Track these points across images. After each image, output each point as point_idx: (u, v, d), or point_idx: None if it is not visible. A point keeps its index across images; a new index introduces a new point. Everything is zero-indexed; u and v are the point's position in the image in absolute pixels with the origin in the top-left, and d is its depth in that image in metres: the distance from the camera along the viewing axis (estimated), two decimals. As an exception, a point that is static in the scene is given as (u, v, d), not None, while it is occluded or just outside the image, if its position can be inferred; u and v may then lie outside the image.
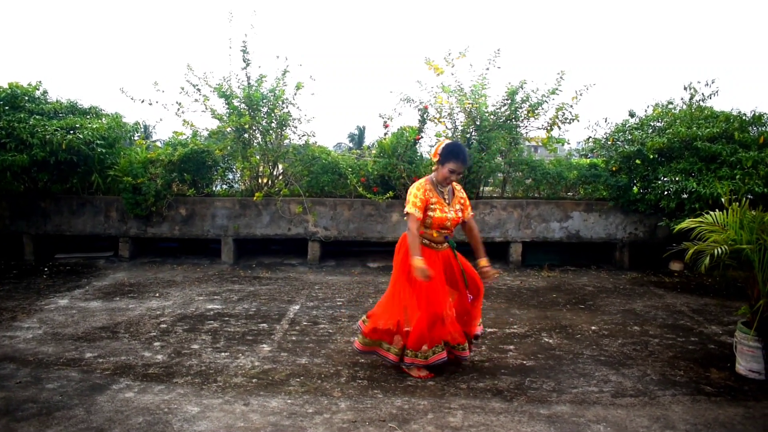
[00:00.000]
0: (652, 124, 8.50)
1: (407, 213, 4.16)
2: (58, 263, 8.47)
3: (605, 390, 4.03)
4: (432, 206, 4.18)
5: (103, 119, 8.92)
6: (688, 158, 7.65)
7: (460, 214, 4.33)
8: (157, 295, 6.69)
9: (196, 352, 4.70)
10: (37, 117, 8.12)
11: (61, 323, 5.49)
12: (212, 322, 5.59)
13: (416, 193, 4.17)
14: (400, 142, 8.42)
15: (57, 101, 8.95)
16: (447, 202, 4.29)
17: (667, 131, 7.89)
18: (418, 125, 8.65)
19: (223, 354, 4.66)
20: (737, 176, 7.04)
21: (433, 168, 4.33)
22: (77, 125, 8.16)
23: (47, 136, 7.72)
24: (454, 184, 4.44)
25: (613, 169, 8.40)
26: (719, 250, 4.28)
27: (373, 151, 9.29)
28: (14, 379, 4.09)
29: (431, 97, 8.81)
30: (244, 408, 3.65)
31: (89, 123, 8.36)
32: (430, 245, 4.27)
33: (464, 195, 4.50)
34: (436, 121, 8.95)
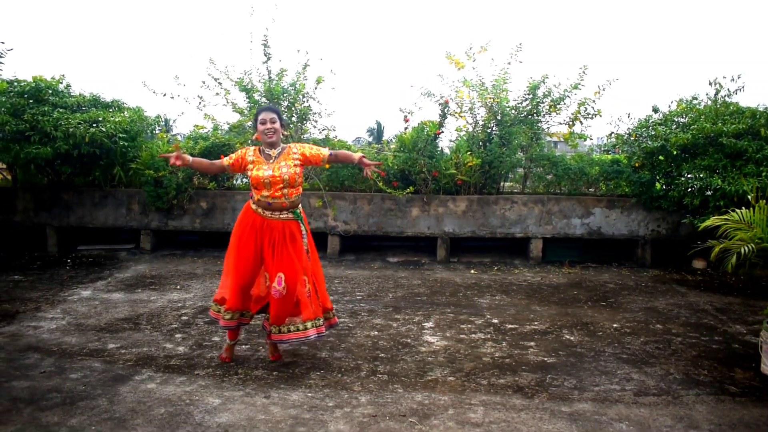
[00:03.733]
0: (676, 119, 8.38)
1: None
2: (80, 255, 8.56)
3: (627, 388, 3.99)
4: (249, 165, 4.19)
5: (125, 113, 8.98)
6: (713, 155, 7.54)
7: (284, 171, 4.13)
8: (178, 287, 6.73)
9: (217, 345, 4.72)
10: (61, 110, 8.20)
11: (84, 314, 5.55)
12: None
13: (237, 153, 4.33)
14: (421, 136, 8.40)
15: (80, 95, 9.02)
16: (270, 161, 4.19)
17: (692, 127, 7.78)
18: (438, 120, 8.63)
19: (243, 347, 4.68)
20: (764, 173, 6.92)
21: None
22: (100, 118, 8.23)
23: (70, 129, 7.79)
24: (293, 145, 4.34)
25: (636, 165, 8.31)
26: (746, 248, 4.22)
27: (393, 146, 9.27)
28: (38, 368, 4.14)
29: (452, 91, 8.80)
30: (264, 400, 3.66)
31: (111, 116, 8.43)
32: (257, 210, 4.20)
33: (305, 150, 4.33)
34: (456, 115, 8.93)
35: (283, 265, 4.10)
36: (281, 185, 4.11)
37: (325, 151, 4.34)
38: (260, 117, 4.21)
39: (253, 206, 4.21)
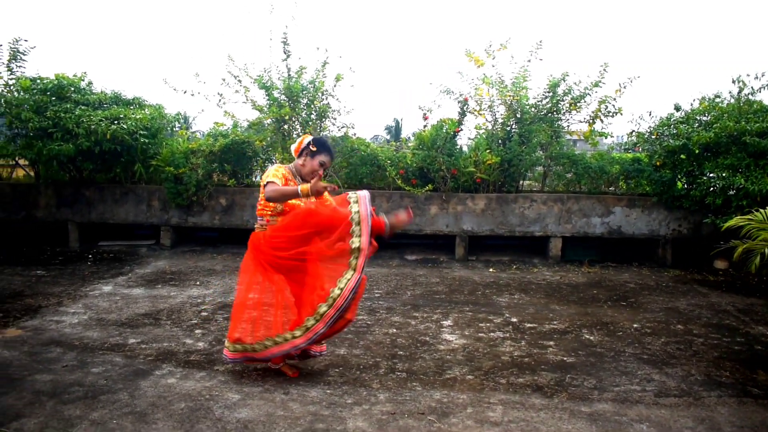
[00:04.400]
0: (699, 118, 8.29)
1: (268, 182, 3.77)
2: (101, 250, 8.65)
3: (648, 389, 3.95)
4: None
5: (146, 110, 9.07)
6: (736, 153, 7.45)
7: None
8: (198, 283, 6.78)
9: (236, 341, 4.74)
10: (83, 107, 8.30)
11: (105, 309, 5.61)
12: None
13: (276, 170, 3.89)
14: (440, 134, 8.39)
15: (102, 92, 9.13)
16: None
17: (714, 125, 7.69)
18: (458, 117, 8.61)
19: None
20: (788, 173, 6.83)
21: (300, 163, 3.99)
22: (121, 116, 8.32)
23: (92, 126, 7.88)
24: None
25: (657, 163, 8.23)
26: (770, 248, 4.16)
27: (411, 144, 9.27)
28: (61, 362, 4.18)
29: (471, 89, 8.78)
30: (284, 396, 3.67)
31: (132, 113, 8.51)
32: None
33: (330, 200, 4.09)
34: (476, 113, 8.90)
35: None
36: None
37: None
38: (325, 158, 3.97)
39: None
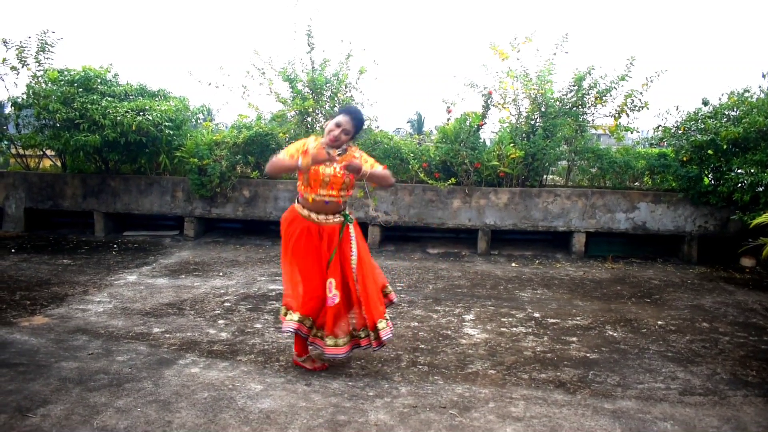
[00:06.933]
0: (727, 113, 8.15)
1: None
2: (126, 240, 8.75)
3: (672, 387, 3.91)
4: None
5: (171, 102, 9.14)
6: (765, 149, 7.31)
7: (344, 172, 3.78)
8: (221, 274, 6.83)
9: (259, 332, 4.78)
10: (109, 99, 8.38)
11: (130, 298, 5.67)
12: (274, 302, 5.67)
13: (297, 144, 3.86)
14: (463, 127, 8.35)
15: (127, 84, 9.21)
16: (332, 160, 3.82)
17: (743, 120, 7.56)
18: (481, 111, 8.56)
19: (285, 334, 4.72)
20: (819, 169, 6.69)
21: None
22: (146, 107, 8.39)
23: (118, 118, 7.96)
24: (355, 150, 3.98)
25: (684, 159, 8.11)
26: (800, 246, 4.09)
27: (434, 137, 9.24)
28: (86, 350, 4.24)
29: (496, 82, 8.71)
30: (306, 388, 3.69)
31: (158, 105, 8.58)
32: (309, 216, 3.88)
33: (366, 157, 3.99)
34: (500, 106, 8.84)
35: (334, 270, 3.87)
36: (340, 186, 3.89)
37: (376, 166, 3.95)
38: (339, 118, 3.78)
39: (305, 212, 3.89)
